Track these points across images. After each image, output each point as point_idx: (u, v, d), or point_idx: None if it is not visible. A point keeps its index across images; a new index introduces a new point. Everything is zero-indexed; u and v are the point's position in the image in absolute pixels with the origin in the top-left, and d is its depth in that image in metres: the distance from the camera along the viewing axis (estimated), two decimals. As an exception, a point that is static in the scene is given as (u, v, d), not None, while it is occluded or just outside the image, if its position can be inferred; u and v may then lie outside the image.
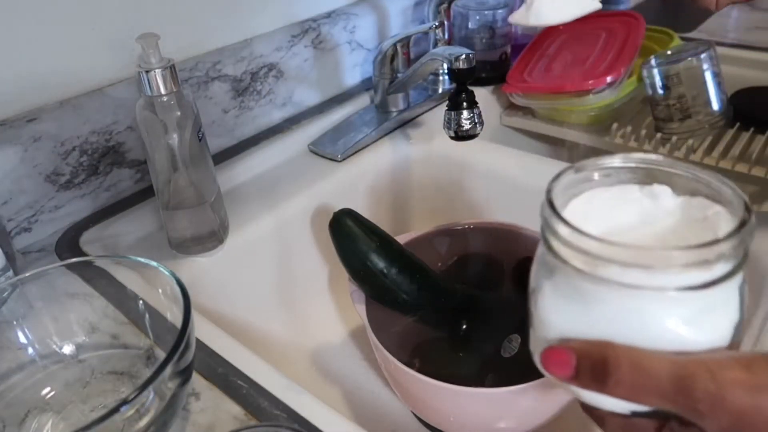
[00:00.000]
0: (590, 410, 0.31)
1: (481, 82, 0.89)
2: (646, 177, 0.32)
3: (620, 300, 0.27)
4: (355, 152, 0.75)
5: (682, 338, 0.27)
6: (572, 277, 0.28)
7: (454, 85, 0.63)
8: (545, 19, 0.53)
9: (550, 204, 0.29)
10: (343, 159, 0.73)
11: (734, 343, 0.28)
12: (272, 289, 0.67)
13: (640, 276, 0.26)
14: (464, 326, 0.56)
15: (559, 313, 0.30)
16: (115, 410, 0.33)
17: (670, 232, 0.30)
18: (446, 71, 0.86)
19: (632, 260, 0.26)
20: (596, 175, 0.32)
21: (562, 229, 0.28)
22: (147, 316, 0.46)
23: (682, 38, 0.86)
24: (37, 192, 0.59)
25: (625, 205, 0.31)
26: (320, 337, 0.69)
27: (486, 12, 0.86)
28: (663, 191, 0.31)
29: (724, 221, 0.28)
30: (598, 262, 0.27)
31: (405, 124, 0.81)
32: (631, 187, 0.32)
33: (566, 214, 0.28)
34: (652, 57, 0.75)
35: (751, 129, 0.76)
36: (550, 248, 0.29)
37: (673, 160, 0.31)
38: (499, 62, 0.90)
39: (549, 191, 0.30)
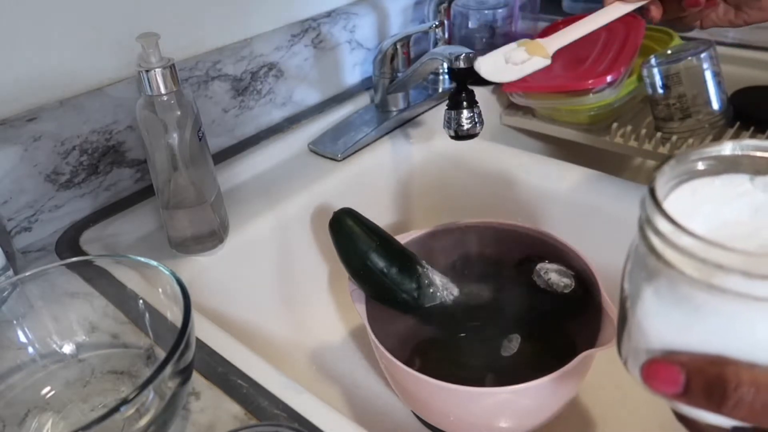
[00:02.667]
0: (686, 421, 0.29)
1: (481, 82, 0.89)
2: (758, 166, 0.28)
3: (739, 312, 0.24)
4: (355, 152, 0.75)
5: None
6: (679, 283, 0.25)
7: (454, 85, 0.63)
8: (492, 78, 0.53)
9: (653, 196, 0.26)
10: (343, 158, 0.73)
11: None
12: (272, 289, 0.67)
13: (765, 287, 0.23)
14: (464, 326, 0.56)
15: (662, 323, 0.26)
16: (115, 410, 0.33)
17: None
18: (446, 71, 0.86)
19: (756, 270, 0.23)
20: (700, 165, 0.29)
21: (668, 228, 0.25)
22: (147, 315, 0.46)
23: (682, 38, 0.86)
24: (37, 191, 0.59)
25: (735, 199, 0.28)
26: (320, 337, 0.69)
27: (486, 11, 0.86)
28: None
29: None
30: (714, 269, 0.23)
31: (405, 123, 0.81)
32: (741, 178, 0.28)
33: (668, 207, 0.25)
34: (652, 56, 0.75)
35: (752, 128, 0.76)
36: (652, 249, 0.26)
37: None
38: (499, 62, 0.90)
39: (652, 181, 0.27)
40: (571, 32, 0.52)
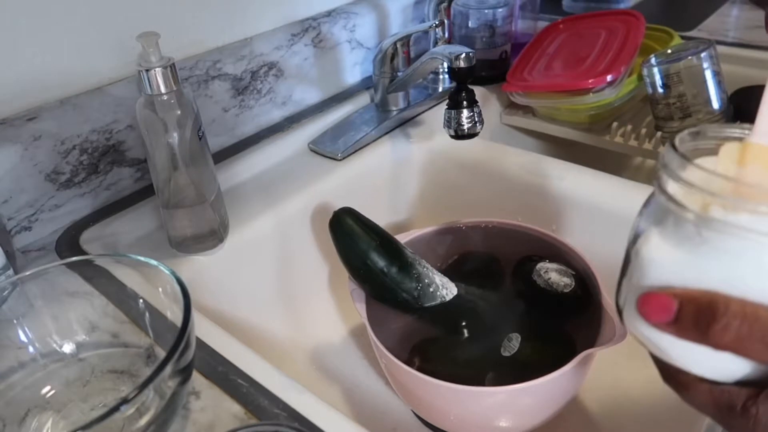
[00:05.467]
0: (674, 375, 0.29)
1: (482, 81, 0.89)
2: None
3: (742, 250, 0.25)
4: (356, 151, 0.75)
5: None
6: (687, 223, 0.26)
7: (454, 84, 0.63)
8: None
9: (673, 145, 0.28)
10: (344, 158, 0.73)
11: None
12: (272, 288, 0.67)
13: (764, 222, 0.24)
14: (464, 325, 0.56)
15: (664, 261, 0.28)
16: (116, 409, 0.33)
17: None
18: (446, 70, 0.86)
19: (762, 205, 0.24)
20: (714, 143, 0.30)
21: (688, 169, 0.26)
22: (147, 314, 0.46)
23: (683, 37, 0.86)
24: (37, 191, 0.59)
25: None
26: (320, 336, 0.69)
27: (486, 11, 0.86)
28: None
29: None
30: (726, 204, 0.25)
31: (405, 122, 0.81)
32: None
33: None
34: (652, 56, 0.75)
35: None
36: (664, 191, 0.27)
37: None
38: (499, 61, 0.90)
39: (673, 138, 0.29)
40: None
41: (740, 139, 0.29)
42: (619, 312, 0.31)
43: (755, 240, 0.25)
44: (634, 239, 0.30)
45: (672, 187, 0.27)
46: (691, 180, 0.26)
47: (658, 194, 0.28)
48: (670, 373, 0.29)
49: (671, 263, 0.27)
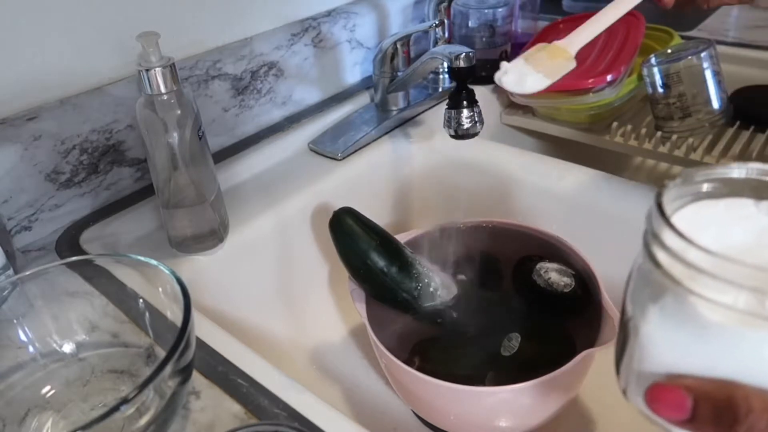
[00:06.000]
0: None
1: (482, 81, 0.89)
2: (763, 190, 0.27)
3: (750, 333, 0.23)
4: (356, 151, 0.75)
5: None
6: (687, 302, 0.24)
7: (454, 84, 0.63)
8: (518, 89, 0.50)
9: (660, 210, 0.25)
10: (344, 158, 0.73)
11: None
12: (272, 288, 0.67)
13: None
14: (464, 325, 0.56)
15: (668, 344, 0.25)
16: (116, 409, 0.33)
17: None
18: (446, 70, 0.86)
19: None
20: (705, 187, 0.28)
21: (676, 243, 0.24)
22: (147, 314, 0.46)
23: (683, 37, 0.86)
24: (37, 190, 0.59)
25: (739, 222, 0.27)
26: (320, 336, 0.69)
27: (486, 10, 0.86)
28: None
29: None
30: (724, 287, 0.22)
31: (405, 122, 0.81)
32: (746, 202, 0.27)
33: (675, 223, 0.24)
34: (652, 55, 0.75)
35: (752, 127, 0.76)
36: (658, 265, 0.24)
37: None
38: (499, 61, 0.89)
39: (659, 195, 0.26)
40: (587, 29, 0.48)
41: (731, 180, 0.27)
42: (623, 390, 0.29)
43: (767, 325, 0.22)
44: (631, 314, 0.28)
45: (664, 258, 0.24)
46: (689, 259, 0.23)
47: (649, 263, 0.25)
48: None
49: (677, 348, 0.25)
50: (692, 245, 0.23)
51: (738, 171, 0.27)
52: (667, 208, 0.26)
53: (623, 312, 0.28)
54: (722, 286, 0.22)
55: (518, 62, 0.47)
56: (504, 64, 0.47)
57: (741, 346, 0.23)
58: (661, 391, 0.25)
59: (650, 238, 0.25)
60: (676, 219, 0.26)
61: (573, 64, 0.47)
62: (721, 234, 0.26)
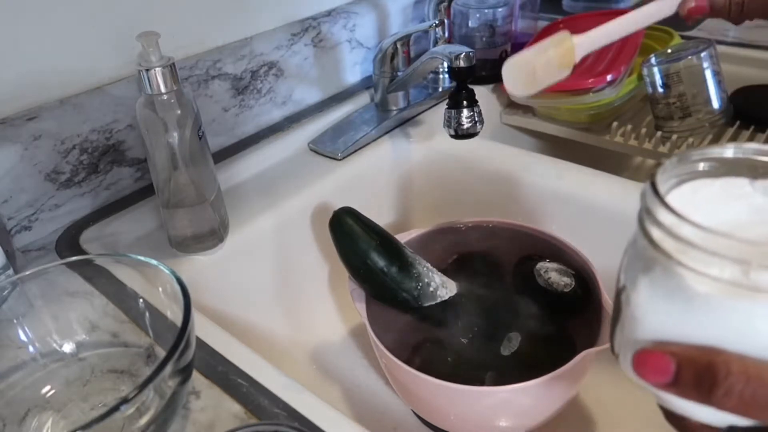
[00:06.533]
0: (675, 420, 0.28)
1: (482, 81, 0.89)
2: (759, 170, 0.28)
3: (734, 304, 0.24)
4: (356, 151, 0.75)
5: None
6: (675, 273, 0.25)
7: (454, 84, 0.63)
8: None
9: (654, 189, 0.26)
10: (344, 157, 0.73)
11: None
12: (272, 288, 0.67)
13: (763, 279, 0.23)
14: (464, 324, 0.56)
15: (656, 313, 0.26)
16: (116, 409, 0.33)
17: None
18: (446, 70, 0.86)
19: (756, 260, 0.23)
20: (701, 166, 0.29)
21: (668, 219, 0.25)
22: (147, 314, 0.46)
23: (683, 36, 0.86)
24: (37, 190, 0.59)
25: (734, 201, 0.28)
26: (320, 336, 0.69)
27: (486, 10, 0.86)
28: None
29: None
30: (711, 259, 0.23)
31: (405, 122, 0.81)
32: (741, 181, 0.28)
33: (668, 200, 0.25)
34: (653, 55, 0.75)
35: (752, 127, 0.76)
36: (650, 240, 0.26)
37: None
38: (499, 61, 0.90)
39: (653, 175, 0.27)
40: (609, 32, 0.49)
41: (727, 160, 0.28)
42: (616, 357, 0.30)
43: (750, 295, 0.23)
44: (623, 284, 0.29)
45: (656, 233, 0.26)
46: (680, 233, 0.24)
47: (642, 239, 0.26)
48: (673, 417, 0.29)
49: (664, 317, 0.26)
50: (684, 220, 0.24)
51: (734, 150, 0.28)
52: (663, 186, 0.27)
53: (617, 283, 0.30)
54: (709, 259, 0.23)
55: (525, 57, 0.48)
56: (512, 59, 0.48)
57: (724, 315, 0.24)
58: (647, 357, 0.26)
59: (644, 214, 0.26)
60: (672, 197, 0.27)
61: (567, 74, 0.49)
62: (715, 211, 0.27)
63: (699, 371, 0.25)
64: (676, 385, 0.26)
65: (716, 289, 0.24)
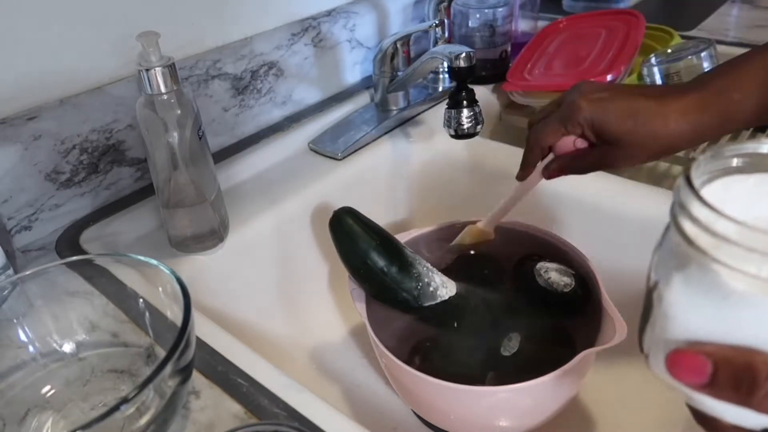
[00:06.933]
0: (706, 421, 0.28)
1: (482, 81, 0.89)
2: None
3: None
4: (356, 150, 0.75)
5: None
6: (711, 270, 0.24)
7: (454, 84, 0.63)
8: None
9: (689, 183, 0.25)
10: (344, 157, 0.73)
11: None
12: (272, 288, 0.67)
13: None
14: (464, 324, 0.56)
15: (691, 312, 0.26)
16: (116, 408, 0.33)
17: None
18: (446, 69, 0.86)
19: None
20: (735, 162, 0.28)
21: (703, 213, 0.24)
22: (147, 314, 0.46)
23: (683, 36, 0.86)
24: (37, 190, 0.59)
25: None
26: (320, 336, 0.69)
27: (486, 10, 0.86)
28: None
29: None
30: (749, 255, 0.23)
31: (405, 122, 0.81)
32: None
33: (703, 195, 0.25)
34: (653, 55, 0.75)
35: (751, 128, 0.75)
36: (684, 235, 0.25)
37: None
38: (499, 60, 0.90)
39: (687, 170, 0.26)
40: (502, 210, 0.58)
41: (762, 155, 0.27)
42: (645, 357, 0.29)
43: None
44: (655, 282, 0.28)
45: (691, 229, 0.25)
46: (716, 229, 0.23)
47: (676, 235, 0.26)
48: (704, 418, 0.28)
49: (699, 315, 0.25)
50: (720, 215, 0.23)
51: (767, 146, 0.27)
52: (696, 182, 0.26)
53: (648, 280, 0.29)
54: (747, 255, 0.23)
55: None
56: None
57: (763, 313, 0.23)
58: (682, 357, 0.26)
59: (678, 209, 0.25)
60: (705, 192, 0.26)
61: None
62: (749, 207, 0.27)
63: (737, 372, 0.24)
64: (712, 386, 0.25)
65: (754, 286, 0.23)
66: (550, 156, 0.52)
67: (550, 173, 0.52)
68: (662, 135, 0.44)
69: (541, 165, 0.53)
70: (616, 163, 0.48)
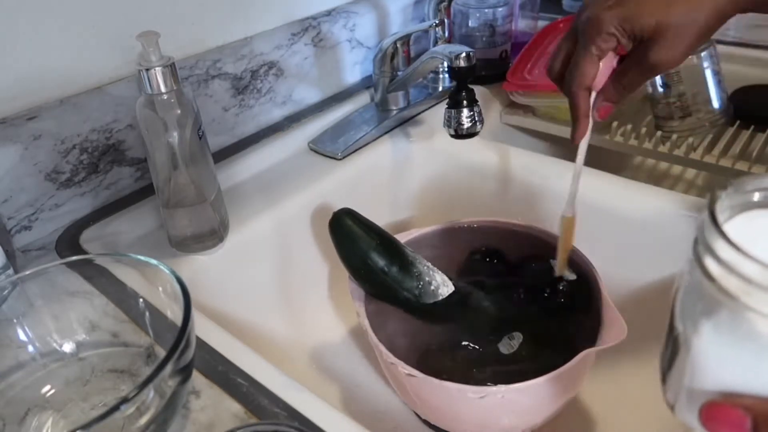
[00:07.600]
0: None
1: (482, 81, 0.89)
2: None
3: None
4: (356, 150, 0.75)
5: None
6: (744, 318, 0.22)
7: (454, 84, 0.63)
8: None
9: (714, 219, 0.24)
10: (344, 157, 0.73)
11: None
12: (272, 288, 0.67)
13: None
14: (465, 324, 0.56)
15: (724, 362, 0.24)
16: (116, 408, 0.33)
17: None
18: (446, 69, 0.86)
19: None
20: (756, 196, 0.27)
21: (730, 254, 0.22)
22: (147, 314, 0.46)
23: (683, 36, 0.86)
24: (37, 190, 0.59)
25: None
26: (320, 335, 0.69)
27: (486, 10, 0.86)
28: None
29: None
30: None
31: (405, 122, 0.81)
32: None
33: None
34: (653, 55, 0.75)
35: (752, 127, 0.75)
36: (710, 278, 0.23)
37: None
38: (499, 60, 0.90)
39: (712, 203, 0.25)
40: (575, 183, 0.53)
41: None
42: (670, 405, 0.28)
43: None
44: (682, 326, 0.26)
45: (716, 270, 0.23)
46: (745, 272, 0.22)
47: (701, 278, 0.24)
48: None
49: (734, 366, 0.24)
50: (748, 258, 0.22)
51: None
52: (720, 217, 0.25)
53: (671, 325, 0.27)
54: None
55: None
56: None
57: None
58: (719, 410, 0.24)
59: (702, 249, 0.24)
60: (728, 228, 0.25)
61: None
62: None
63: None
64: None
65: None
66: (592, 96, 0.49)
67: (600, 112, 0.48)
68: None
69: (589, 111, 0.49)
70: (658, 55, 0.44)
